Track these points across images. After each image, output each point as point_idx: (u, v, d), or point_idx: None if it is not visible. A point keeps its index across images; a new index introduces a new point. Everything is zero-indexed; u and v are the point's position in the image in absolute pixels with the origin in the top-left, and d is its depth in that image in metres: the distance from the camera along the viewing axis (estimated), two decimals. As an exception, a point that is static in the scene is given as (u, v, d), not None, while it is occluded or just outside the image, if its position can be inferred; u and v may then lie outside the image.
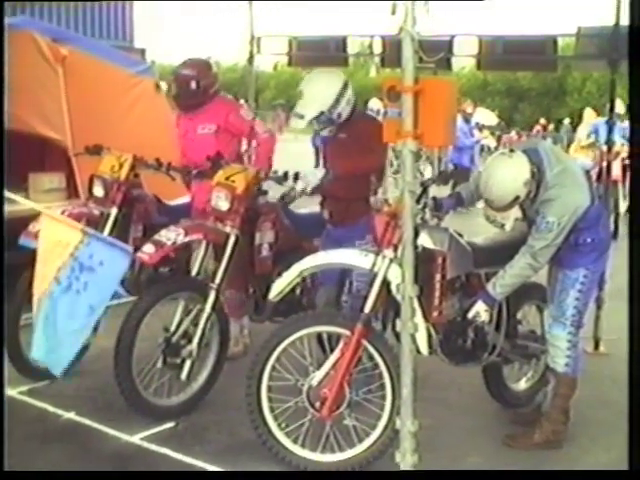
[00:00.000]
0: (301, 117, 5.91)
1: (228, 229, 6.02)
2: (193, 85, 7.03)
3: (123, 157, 6.73)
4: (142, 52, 18.39)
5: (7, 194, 5.97)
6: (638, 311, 4.01)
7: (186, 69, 7.10)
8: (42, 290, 5.40)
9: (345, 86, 5.97)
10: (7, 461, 4.92)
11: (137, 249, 6.22)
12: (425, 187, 5.36)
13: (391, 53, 8.06)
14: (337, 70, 6.58)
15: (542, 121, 37.13)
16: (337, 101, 5.89)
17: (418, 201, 5.01)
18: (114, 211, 6.62)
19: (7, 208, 6.57)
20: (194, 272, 6.21)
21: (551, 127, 36.95)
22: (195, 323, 5.97)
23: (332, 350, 5.35)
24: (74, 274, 5.29)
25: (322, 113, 5.87)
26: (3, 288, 5.53)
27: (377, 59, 8.68)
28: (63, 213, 6.32)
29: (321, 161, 6.67)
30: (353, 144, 5.95)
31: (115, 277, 5.30)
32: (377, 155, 5.91)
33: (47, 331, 5.35)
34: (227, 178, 6.08)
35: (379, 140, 6.25)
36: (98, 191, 6.70)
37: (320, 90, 5.92)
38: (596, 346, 7.69)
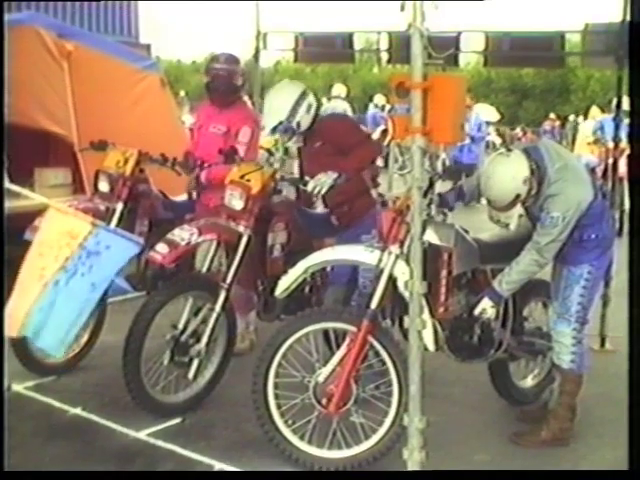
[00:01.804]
0: (264, 128, 6.33)
1: (241, 229, 5.95)
2: (239, 81, 7.04)
3: (128, 152, 6.73)
4: (147, 48, 18.33)
5: (14, 187, 5.98)
6: (638, 309, 4.00)
7: (228, 64, 7.03)
8: (44, 277, 5.38)
9: (303, 95, 6.26)
10: (12, 456, 4.94)
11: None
12: (431, 183, 5.35)
13: (398, 49, 8.04)
14: (297, 82, 6.76)
15: (552, 116, 36.72)
16: (294, 110, 6.19)
17: (424, 197, 5.01)
18: (120, 206, 6.61)
19: (13, 203, 6.59)
20: (204, 269, 6.17)
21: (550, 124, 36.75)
22: (204, 322, 5.94)
23: (338, 346, 5.34)
24: (80, 260, 5.28)
25: (280, 123, 6.18)
26: (3, 288, 5.53)
27: (382, 55, 8.67)
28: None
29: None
30: (330, 148, 6.13)
31: (120, 260, 5.28)
32: (359, 149, 6.07)
33: (52, 318, 5.34)
34: (242, 176, 6.02)
35: (355, 135, 6.34)
36: (103, 186, 6.70)
37: (277, 101, 6.28)
38: (602, 343, 7.67)
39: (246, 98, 9.31)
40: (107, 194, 6.68)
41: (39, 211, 6.05)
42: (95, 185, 6.82)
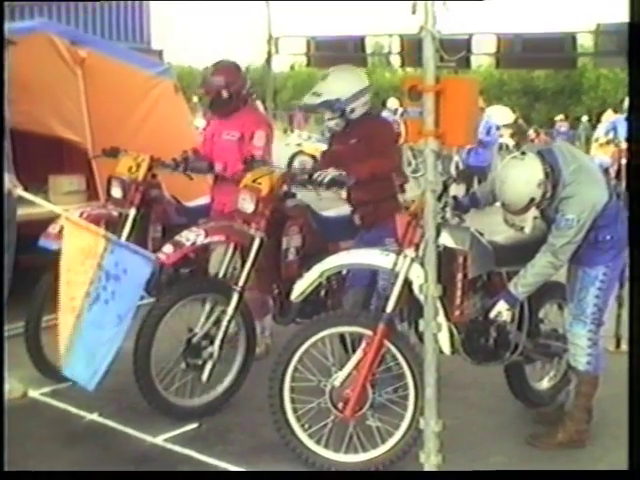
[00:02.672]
0: (318, 95, 6.09)
1: (253, 231, 5.99)
2: (225, 94, 6.91)
3: (140, 158, 6.74)
4: (159, 53, 18.39)
5: (27, 196, 6.00)
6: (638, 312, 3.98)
7: (216, 76, 6.95)
8: (75, 309, 5.43)
9: (367, 88, 6.18)
10: (29, 462, 4.97)
11: (156, 250, 6.24)
12: (446, 186, 5.36)
13: (410, 52, 8.04)
14: (363, 73, 6.56)
15: (560, 117, 36.38)
16: (356, 96, 6.08)
17: (439, 200, 5.00)
18: (132, 212, 6.62)
19: (26, 210, 6.62)
20: (220, 274, 6.18)
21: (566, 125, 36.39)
22: (217, 325, 5.96)
23: (354, 350, 5.33)
24: (101, 284, 5.32)
25: (338, 100, 6.02)
26: (3, 288, 5.56)
27: (393, 59, 8.66)
28: (82, 215, 6.34)
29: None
30: (366, 148, 6.02)
31: (139, 285, 5.33)
32: (393, 154, 6.00)
33: (80, 348, 5.40)
34: (254, 181, 6.06)
35: (392, 139, 6.27)
36: (116, 192, 6.71)
37: (345, 79, 6.14)
38: (618, 344, 7.65)
39: (258, 102, 9.31)
40: (120, 200, 6.69)
41: (53, 218, 6.08)
42: (108, 191, 6.84)
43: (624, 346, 7.59)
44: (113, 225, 6.52)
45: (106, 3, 18.54)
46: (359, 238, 6.20)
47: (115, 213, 6.67)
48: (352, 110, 6.08)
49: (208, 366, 5.90)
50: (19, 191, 6.01)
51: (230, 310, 5.92)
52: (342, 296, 6.29)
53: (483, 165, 17.25)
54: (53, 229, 6.14)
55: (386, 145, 6.10)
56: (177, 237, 5.93)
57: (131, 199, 6.64)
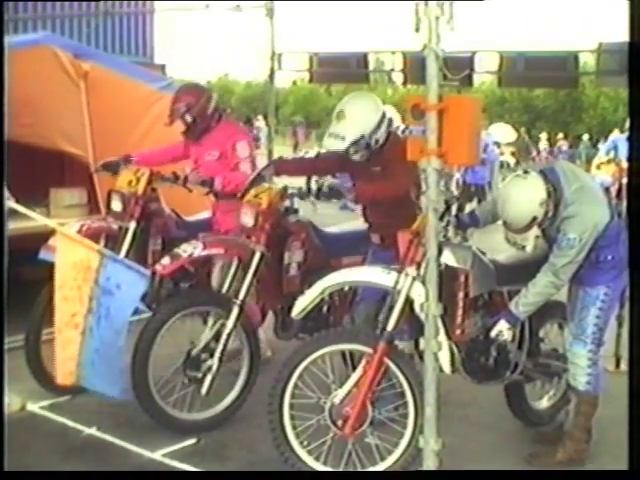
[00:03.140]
0: (342, 139, 5.84)
1: (253, 245, 6.00)
2: (188, 118, 6.88)
3: (140, 172, 6.74)
4: (162, 68, 18.42)
5: (19, 208, 5.99)
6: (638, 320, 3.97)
7: (176, 104, 6.91)
8: (79, 325, 5.43)
9: (385, 114, 5.99)
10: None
11: (156, 263, 6.25)
12: (448, 205, 5.34)
13: (412, 70, 8.04)
14: (374, 95, 6.34)
15: (559, 135, 36.20)
16: (378, 127, 5.89)
17: (441, 219, 4.99)
18: (133, 225, 6.62)
19: (26, 223, 6.61)
20: (224, 289, 6.16)
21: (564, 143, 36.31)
22: (217, 338, 5.97)
23: (355, 367, 5.32)
24: (99, 301, 5.34)
25: (362, 137, 5.83)
26: (3, 295, 5.55)
27: (395, 76, 8.66)
28: (82, 227, 6.35)
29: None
30: (387, 172, 5.91)
31: (133, 300, 5.34)
32: (407, 180, 5.86)
33: (102, 364, 5.41)
34: (256, 196, 6.08)
35: (410, 163, 6.17)
36: (116, 206, 6.71)
37: (363, 113, 5.91)
38: (617, 364, 7.64)
39: (260, 117, 9.30)
40: (120, 213, 6.69)
41: (53, 231, 6.07)
42: (108, 205, 6.84)
43: (624, 366, 7.59)
44: (113, 238, 6.53)
45: (110, 17, 18.57)
46: (372, 253, 6.19)
47: (115, 226, 6.67)
48: (376, 141, 5.92)
49: (207, 379, 5.91)
50: (11, 203, 5.99)
51: (230, 323, 5.93)
52: (352, 310, 6.28)
53: (481, 183, 17.25)
54: (53, 242, 6.12)
55: (403, 169, 5.91)
56: (176, 250, 6.00)
57: (131, 212, 6.64)
